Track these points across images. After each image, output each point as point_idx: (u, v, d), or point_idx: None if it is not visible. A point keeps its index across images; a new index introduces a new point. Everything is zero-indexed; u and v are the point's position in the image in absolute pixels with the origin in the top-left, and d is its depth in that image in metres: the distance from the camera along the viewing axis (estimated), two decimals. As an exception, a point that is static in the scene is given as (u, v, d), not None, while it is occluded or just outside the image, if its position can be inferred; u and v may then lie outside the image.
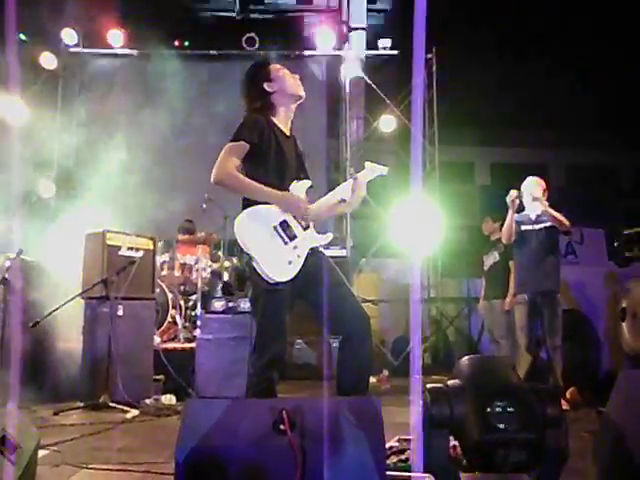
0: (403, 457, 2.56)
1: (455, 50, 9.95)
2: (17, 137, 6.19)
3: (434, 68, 8.54)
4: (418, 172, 7.55)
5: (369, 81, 8.61)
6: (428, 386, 1.97)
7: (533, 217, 4.91)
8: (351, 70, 8.48)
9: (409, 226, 7.25)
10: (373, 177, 2.95)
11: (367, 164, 2.95)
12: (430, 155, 8.61)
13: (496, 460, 1.81)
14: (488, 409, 1.83)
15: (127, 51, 8.47)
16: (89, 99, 7.99)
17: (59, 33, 8.14)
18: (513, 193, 4.86)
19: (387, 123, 8.62)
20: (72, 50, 8.40)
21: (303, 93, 2.93)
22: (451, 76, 8.86)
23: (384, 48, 8.83)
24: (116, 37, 8.33)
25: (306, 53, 8.52)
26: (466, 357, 2.08)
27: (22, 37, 7.96)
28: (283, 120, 2.92)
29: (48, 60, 8.15)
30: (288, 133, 2.93)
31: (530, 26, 11.66)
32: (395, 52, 8.73)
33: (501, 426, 1.81)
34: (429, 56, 8.51)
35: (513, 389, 1.91)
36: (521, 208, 4.98)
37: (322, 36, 8.27)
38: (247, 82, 2.96)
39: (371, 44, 8.95)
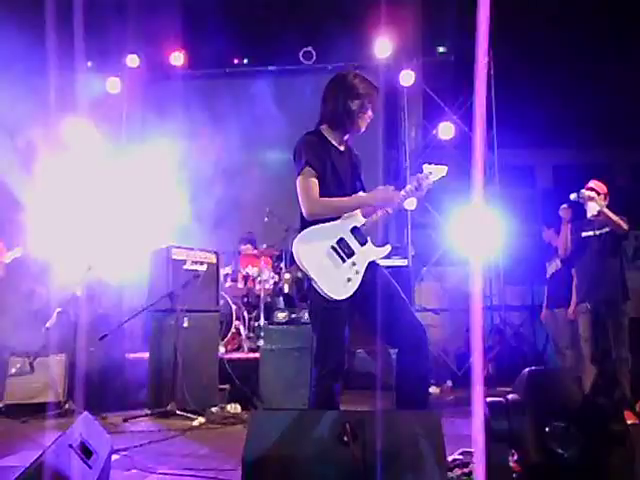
0: (467, 470, 2.54)
1: (513, 50, 9.76)
2: (88, 159, 6.49)
3: (492, 72, 8.41)
4: (479, 178, 7.44)
5: (427, 89, 8.56)
6: (487, 400, 1.94)
7: (590, 219, 4.74)
8: (408, 78, 8.44)
9: (470, 233, 7.16)
10: (436, 180, 2.94)
11: (425, 166, 2.95)
12: (489, 160, 8.47)
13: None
14: (547, 429, 1.77)
15: (188, 72, 8.76)
16: (152, 119, 8.30)
17: (123, 59, 8.50)
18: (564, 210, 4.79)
19: (446, 130, 8.53)
20: (135, 74, 8.74)
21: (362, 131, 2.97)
22: (509, 77, 8.69)
23: (440, 54, 8.77)
24: (177, 59, 8.62)
25: (363, 63, 8.54)
26: (527, 370, 2.04)
27: (89, 64, 8.37)
28: (338, 137, 2.94)
29: (113, 85, 8.53)
30: (342, 148, 2.96)
31: (591, 24, 11.30)
32: (451, 57, 8.66)
33: (560, 451, 1.75)
34: (486, 59, 8.38)
35: (573, 407, 1.84)
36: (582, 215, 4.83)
37: (379, 45, 8.29)
38: (331, 93, 2.94)
39: (426, 50, 8.90)
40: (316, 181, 2.76)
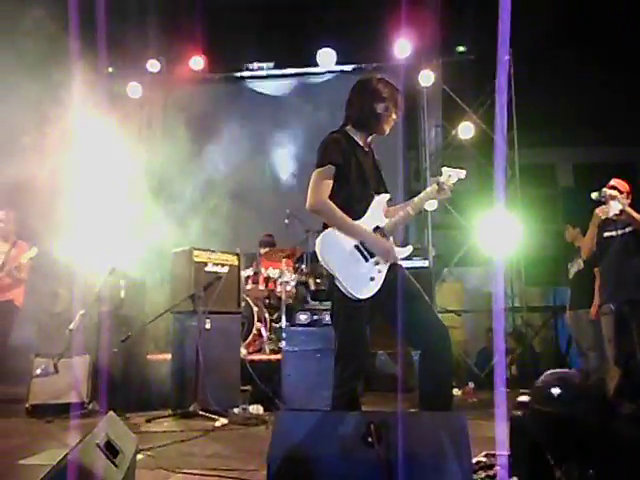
0: (491, 473, 2.52)
1: (532, 49, 9.68)
2: (108, 162, 6.55)
3: (512, 70, 8.34)
4: (501, 178, 7.40)
5: (447, 88, 8.52)
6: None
7: (612, 218, 4.64)
8: (428, 78, 8.41)
9: (491, 234, 7.11)
10: (454, 182, 2.92)
11: (444, 169, 2.93)
12: (510, 159, 8.40)
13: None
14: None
15: (208, 76, 8.83)
16: (172, 123, 8.39)
17: (144, 64, 8.59)
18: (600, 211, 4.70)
19: (465, 130, 8.48)
20: (156, 79, 8.82)
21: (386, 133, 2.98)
22: (529, 76, 8.61)
23: (460, 54, 8.73)
24: (198, 63, 8.69)
25: (382, 64, 8.53)
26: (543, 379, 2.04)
27: (110, 69, 8.48)
28: (362, 138, 2.97)
29: (134, 90, 8.62)
30: (367, 148, 2.98)
31: (609, 23, 11.17)
32: (471, 57, 8.62)
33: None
34: (506, 58, 8.31)
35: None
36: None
37: (398, 46, 8.27)
38: (356, 96, 2.96)
39: (445, 50, 8.87)
40: (331, 182, 2.76)
